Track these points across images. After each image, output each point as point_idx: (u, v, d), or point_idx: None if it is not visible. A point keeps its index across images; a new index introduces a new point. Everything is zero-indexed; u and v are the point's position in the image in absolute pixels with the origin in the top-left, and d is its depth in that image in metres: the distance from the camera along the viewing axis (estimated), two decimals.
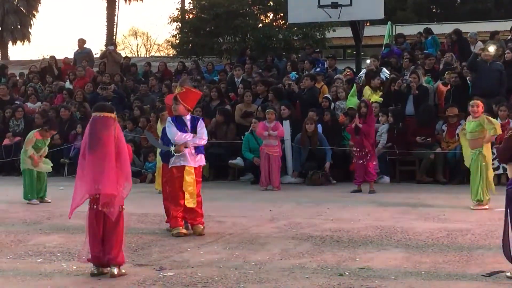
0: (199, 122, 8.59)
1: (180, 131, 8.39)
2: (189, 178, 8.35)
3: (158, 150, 9.80)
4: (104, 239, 6.40)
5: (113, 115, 6.53)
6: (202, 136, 8.50)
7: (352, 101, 14.30)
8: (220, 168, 14.91)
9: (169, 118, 8.67)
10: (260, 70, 18.14)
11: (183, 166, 8.36)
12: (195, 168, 8.46)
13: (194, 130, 8.47)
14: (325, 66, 18.92)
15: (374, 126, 12.76)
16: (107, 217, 6.38)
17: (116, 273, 6.35)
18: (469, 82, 14.89)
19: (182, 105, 8.44)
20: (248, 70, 18.48)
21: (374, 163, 12.36)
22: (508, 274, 6.17)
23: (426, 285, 5.98)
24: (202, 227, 8.48)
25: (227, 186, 13.75)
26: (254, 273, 6.48)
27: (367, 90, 15.20)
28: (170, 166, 8.45)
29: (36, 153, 11.56)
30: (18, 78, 21.34)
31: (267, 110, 13.46)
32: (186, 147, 8.36)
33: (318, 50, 21.57)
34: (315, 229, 8.66)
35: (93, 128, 6.42)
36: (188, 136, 8.39)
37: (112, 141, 6.37)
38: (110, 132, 6.39)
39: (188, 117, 8.54)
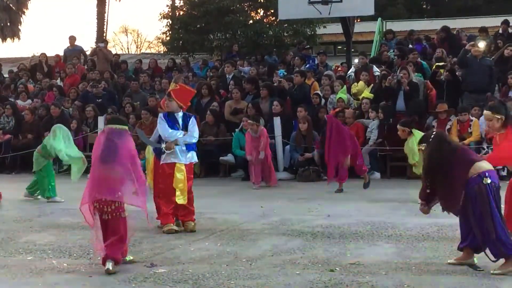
0: (191, 119, 8.58)
1: (171, 128, 8.40)
2: (180, 175, 8.36)
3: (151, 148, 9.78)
4: (106, 234, 6.43)
5: (127, 127, 6.70)
6: (193, 134, 8.50)
7: (342, 96, 14.36)
8: (211, 164, 14.91)
9: (160, 115, 8.68)
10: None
11: (174, 163, 8.37)
12: (186, 165, 8.46)
13: (185, 128, 8.48)
14: (316, 62, 18.94)
15: (346, 135, 11.93)
16: (107, 224, 6.46)
17: (111, 269, 6.34)
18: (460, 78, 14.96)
19: (175, 102, 8.45)
20: (240, 66, 18.54)
21: (358, 162, 12.11)
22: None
23: (416, 280, 6.00)
24: (193, 224, 8.49)
25: (218, 183, 13.75)
26: (245, 269, 6.49)
27: (359, 86, 15.27)
28: (161, 163, 8.47)
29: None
30: (7, 75, 21.29)
31: (249, 121, 13.21)
32: (176, 144, 8.37)
33: (308, 46, 21.60)
34: (306, 225, 8.67)
35: (110, 140, 6.51)
36: (179, 134, 8.40)
37: (128, 153, 6.49)
38: (126, 145, 6.52)
39: (180, 114, 8.54)
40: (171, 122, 8.45)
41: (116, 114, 15.70)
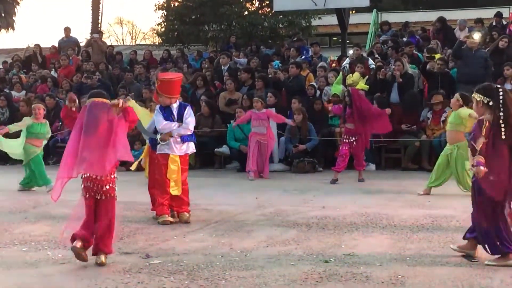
0: (186, 109, 8.54)
1: (166, 120, 8.39)
2: (174, 166, 8.36)
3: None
4: (98, 227, 6.38)
5: (108, 100, 6.57)
6: (188, 126, 8.47)
7: (337, 88, 14.33)
8: (206, 156, 14.90)
9: (157, 107, 8.68)
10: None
11: (168, 154, 8.37)
12: (181, 156, 8.46)
13: (181, 119, 8.46)
14: (310, 53, 18.92)
15: (369, 109, 12.17)
16: (99, 205, 6.38)
17: (104, 261, 6.34)
18: (452, 69, 14.96)
19: (164, 96, 8.44)
20: (237, 57, 18.51)
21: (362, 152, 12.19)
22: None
23: (411, 271, 6.02)
24: (188, 215, 8.49)
25: (213, 174, 13.75)
26: (240, 260, 6.50)
27: (354, 77, 15.25)
28: (157, 153, 8.48)
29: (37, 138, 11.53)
30: (1, 66, 21.24)
31: (254, 98, 13.42)
32: (171, 136, 8.37)
33: (302, 38, 21.59)
34: (301, 216, 8.68)
35: (91, 113, 6.43)
36: (173, 125, 8.39)
37: (109, 125, 6.36)
38: (107, 117, 6.40)
39: (176, 105, 8.52)
40: (166, 114, 8.45)
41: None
